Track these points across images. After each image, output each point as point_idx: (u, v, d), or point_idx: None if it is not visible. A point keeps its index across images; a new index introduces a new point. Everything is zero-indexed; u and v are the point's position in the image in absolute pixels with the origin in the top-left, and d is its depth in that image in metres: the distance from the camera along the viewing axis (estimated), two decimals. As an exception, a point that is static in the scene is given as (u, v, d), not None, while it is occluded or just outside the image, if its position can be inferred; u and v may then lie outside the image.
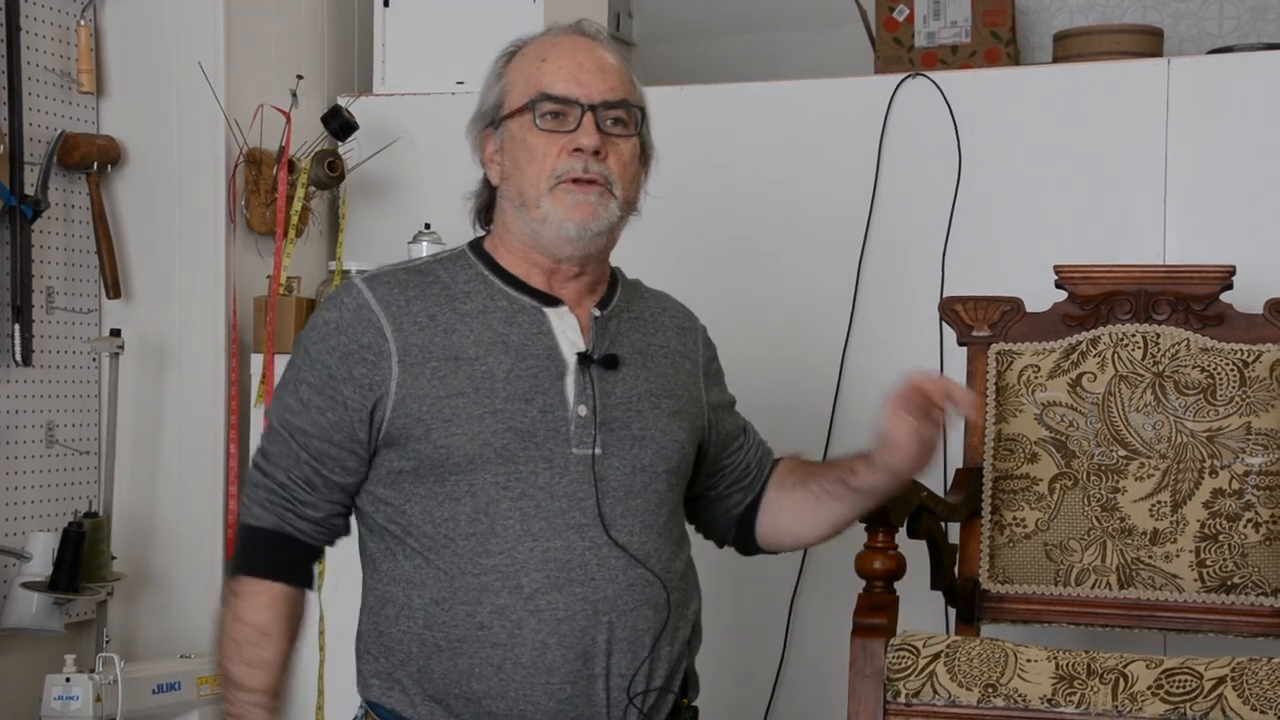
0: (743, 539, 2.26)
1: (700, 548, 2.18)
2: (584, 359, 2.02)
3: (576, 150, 2.00)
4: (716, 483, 2.23)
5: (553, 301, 2.05)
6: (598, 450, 1.99)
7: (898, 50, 3.66)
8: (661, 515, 2.04)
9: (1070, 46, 3.45)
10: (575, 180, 2.00)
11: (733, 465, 2.23)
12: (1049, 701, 2.18)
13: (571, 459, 1.98)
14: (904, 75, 3.35)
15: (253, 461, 2.05)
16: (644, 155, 2.09)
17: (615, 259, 2.18)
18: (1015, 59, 3.67)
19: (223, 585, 2.04)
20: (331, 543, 2.06)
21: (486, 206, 2.14)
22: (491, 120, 2.07)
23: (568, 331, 2.03)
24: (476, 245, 2.11)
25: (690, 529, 2.20)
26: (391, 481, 2.00)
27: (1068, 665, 2.19)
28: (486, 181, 2.11)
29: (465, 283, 2.05)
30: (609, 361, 2.03)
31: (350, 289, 2.03)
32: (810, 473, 2.20)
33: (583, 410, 2.00)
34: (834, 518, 2.18)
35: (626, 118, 2.05)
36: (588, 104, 2.01)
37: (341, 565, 2.07)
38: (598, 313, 2.07)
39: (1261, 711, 2.11)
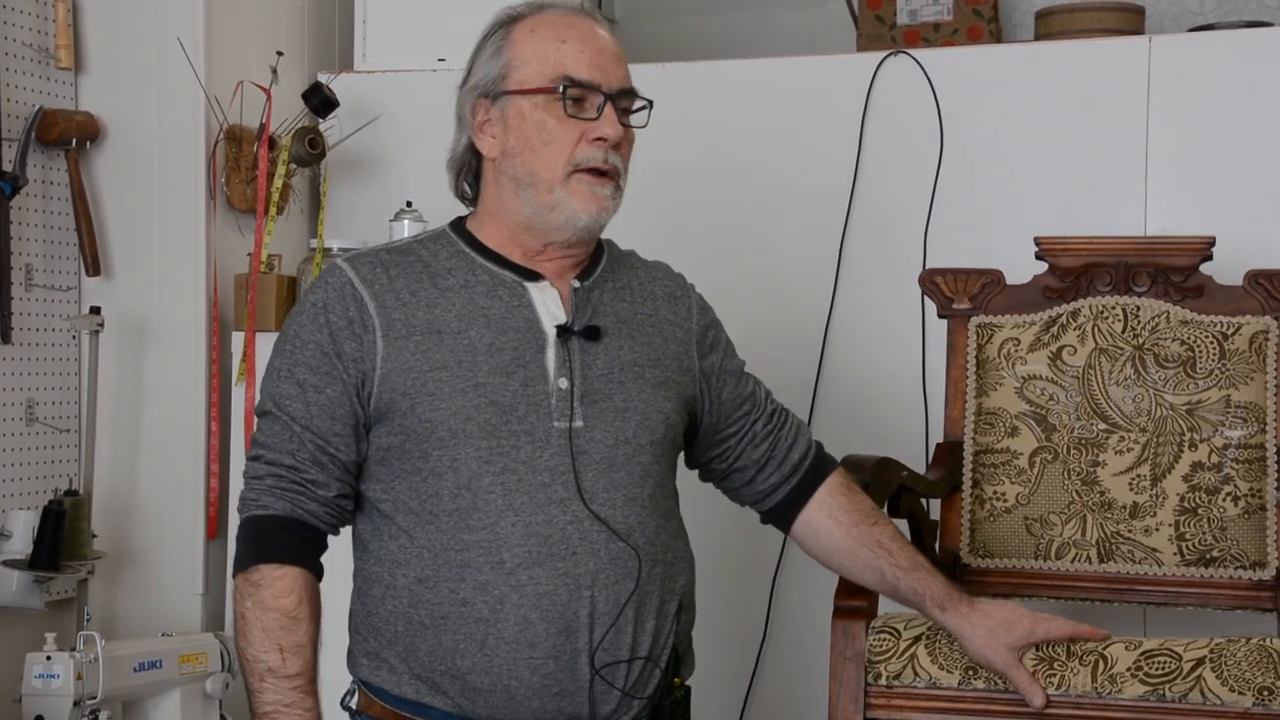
0: (776, 523, 2.28)
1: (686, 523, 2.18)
2: (564, 331, 2.02)
3: (598, 139, 2.00)
4: (725, 454, 2.23)
5: (533, 276, 2.05)
6: (577, 423, 1.99)
7: (880, 28, 3.66)
8: (646, 488, 2.03)
9: (1052, 24, 3.45)
10: (593, 170, 2.01)
11: (739, 433, 2.22)
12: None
13: (553, 432, 1.98)
14: (886, 53, 3.35)
15: (250, 457, 2.02)
16: None
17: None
18: (997, 37, 3.67)
19: (236, 581, 1.99)
20: (338, 529, 2.04)
21: (473, 176, 2.12)
22: (488, 91, 2.05)
23: (548, 304, 2.03)
24: (457, 224, 2.12)
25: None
26: (381, 459, 2.01)
27: (1047, 647, 2.19)
28: (471, 149, 2.10)
29: (446, 259, 2.05)
30: (590, 333, 2.03)
31: (334, 270, 2.04)
32: (886, 551, 2.20)
33: (563, 383, 2.00)
34: (882, 592, 2.25)
35: (632, 107, 2.06)
36: (608, 92, 2.01)
37: (333, 544, 2.06)
38: (578, 284, 2.07)
39: (1240, 693, 2.12)
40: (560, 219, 2.02)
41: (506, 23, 2.07)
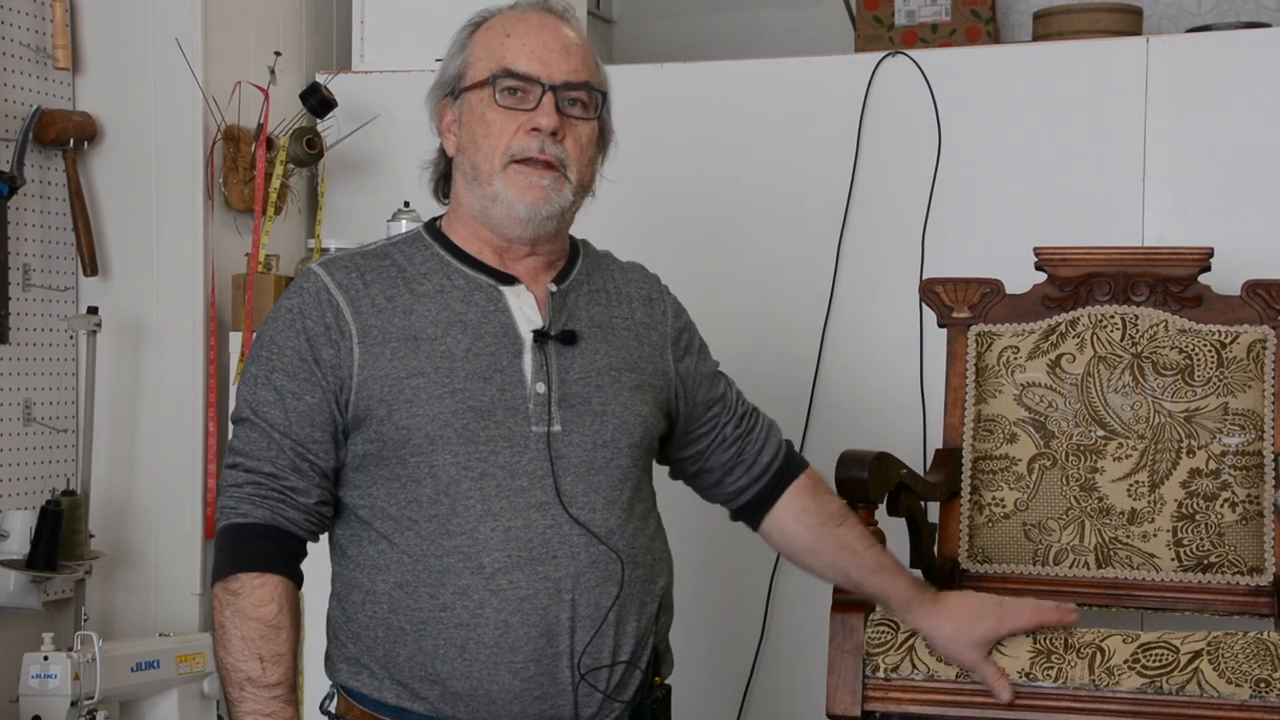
0: (745, 521, 2.29)
1: (678, 521, 2.18)
2: (540, 335, 2.01)
3: (534, 130, 1.99)
4: (695, 456, 2.23)
5: (509, 279, 2.04)
6: (555, 427, 1.98)
7: (878, 28, 3.67)
8: (625, 491, 2.03)
9: (1050, 25, 3.46)
10: (529, 160, 1.99)
11: (708, 435, 2.22)
12: (1026, 675, 2.20)
13: (531, 437, 1.97)
14: (884, 54, 3.35)
15: (227, 465, 2.01)
16: (602, 138, 2.09)
17: (593, 238, 2.18)
18: (995, 37, 3.68)
19: (215, 590, 1.97)
20: (317, 535, 2.04)
21: (444, 177, 2.13)
22: (451, 90, 2.06)
23: (524, 309, 2.03)
24: (431, 226, 2.11)
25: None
26: (358, 465, 2.00)
27: (1045, 640, 2.21)
28: (443, 151, 2.11)
29: (421, 264, 2.05)
30: (566, 337, 2.03)
31: (309, 276, 2.03)
32: (851, 553, 2.21)
33: (540, 387, 1.99)
34: (849, 590, 2.28)
35: (587, 100, 2.04)
36: (549, 84, 2.00)
37: (312, 549, 2.06)
38: (554, 288, 2.06)
39: (1236, 685, 2.13)
40: (502, 211, 2.00)
41: (474, 24, 2.08)
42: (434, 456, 1.95)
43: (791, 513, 2.23)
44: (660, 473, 2.20)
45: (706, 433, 2.22)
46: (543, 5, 2.07)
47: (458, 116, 2.05)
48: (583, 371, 2.03)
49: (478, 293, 2.02)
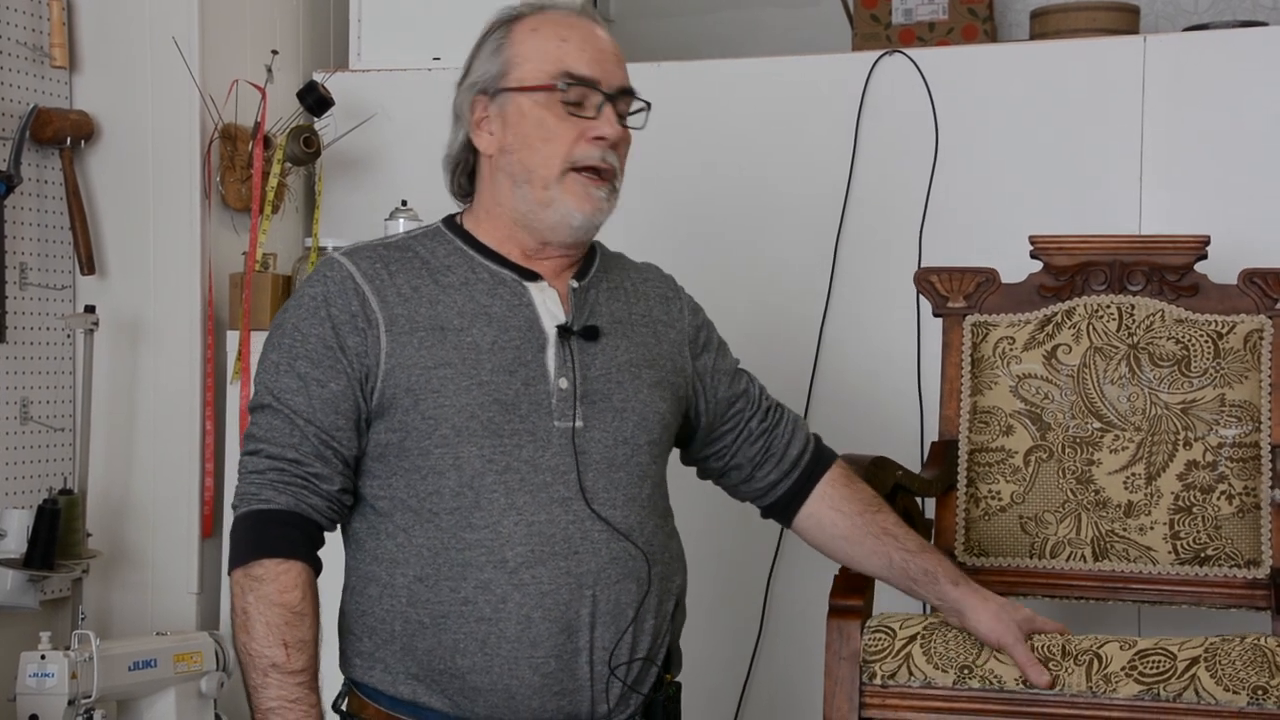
0: (777, 518, 2.30)
1: (677, 518, 2.18)
2: (564, 331, 2.02)
3: (597, 139, 2.00)
4: (721, 452, 2.24)
5: (532, 275, 2.05)
6: (579, 423, 1.99)
7: (875, 27, 3.67)
8: (645, 488, 2.03)
9: (1047, 23, 3.46)
10: (590, 169, 2.01)
11: (733, 430, 2.23)
12: (1024, 683, 2.18)
13: (554, 432, 1.98)
14: (881, 52, 3.35)
15: (247, 451, 2.00)
16: None
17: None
18: (992, 36, 3.68)
19: (235, 576, 1.96)
20: (335, 525, 2.03)
21: (469, 173, 2.11)
22: (487, 89, 2.04)
23: (548, 304, 2.03)
24: (451, 222, 2.11)
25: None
26: (378, 455, 2.00)
27: (1042, 647, 2.19)
28: (468, 146, 2.08)
29: (445, 257, 2.05)
30: (589, 333, 2.03)
31: (332, 264, 2.03)
32: (892, 537, 2.23)
33: (564, 383, 2.00)
34: (888, 580, 2.26)
35: (630, 109, 2.06)
36: (608, 92, 2.01)
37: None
38: (575, 284, 2.07)
39: (1234, 692, 2.12)
40: (555, 217, 2.02)
41: (507, 21, 2.07)
42: (459, 448, 1.95)
43: (829, 503, 2.24)
44: (670, 472, 2.19)
45: (732, 428, 2.23)
46: (585, 13, 2.08)
47: (499, 115, 2.03)
48: (604, 367, 2.03)
49: (502, 287, 2.03)
